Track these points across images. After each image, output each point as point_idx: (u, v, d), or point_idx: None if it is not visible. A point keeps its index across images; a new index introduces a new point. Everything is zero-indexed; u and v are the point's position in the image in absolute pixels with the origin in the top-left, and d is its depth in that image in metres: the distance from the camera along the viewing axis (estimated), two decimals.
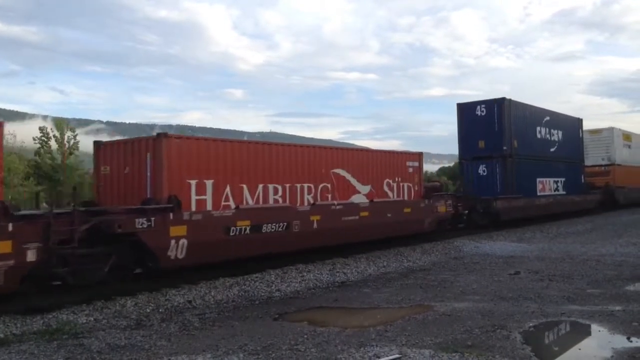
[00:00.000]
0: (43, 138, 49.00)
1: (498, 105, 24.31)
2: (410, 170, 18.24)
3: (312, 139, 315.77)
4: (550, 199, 27.05)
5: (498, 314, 8.44)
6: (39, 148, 49.29)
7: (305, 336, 7.39)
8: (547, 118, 28.15)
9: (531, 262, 14.13)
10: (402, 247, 16.93)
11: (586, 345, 7.26)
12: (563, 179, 28.88)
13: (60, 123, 52.49)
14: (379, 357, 6.37)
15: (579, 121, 32.27)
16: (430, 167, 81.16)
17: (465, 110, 25.27)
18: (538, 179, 26.32)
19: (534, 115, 27.04)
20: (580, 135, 32.14)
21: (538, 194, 26.26)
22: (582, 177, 31.52)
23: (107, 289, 10.00)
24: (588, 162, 34.22)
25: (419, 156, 18.97)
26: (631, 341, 6.90)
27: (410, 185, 18.16)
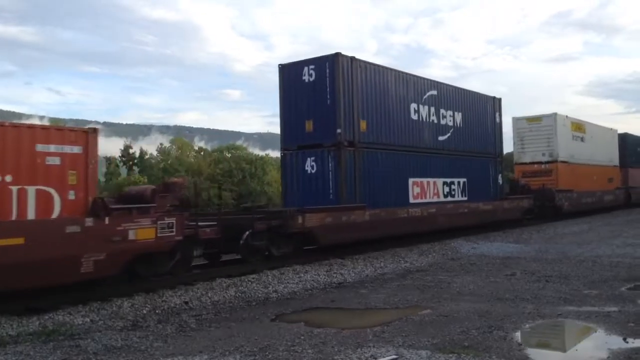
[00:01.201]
0: None
1: (331, 65, 15.59)
2: (53, 161, 9.38)
3: None
4: (432, 208, 18.63)
5: (495, 315, 8.45)
6: None
7: (302, 337, 7.39)
8: (433, 93, 19.56)
9: (528, 263, 14.16)
10: (399, 247, 16.93)
11: (582, 346, 7.27)
12: (463, 180, 20.86)
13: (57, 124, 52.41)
14: (375, 358, 6.38)
15: (493, 101, 23.64)
16: None
17: (288, 74, 16.68)
18: (412, 180, 18.09)
19: (402, 86, 18.07)
20: (497, 120, 23.71)
21: (412, 201, 17.99)
22: (500, 177, 23.72)
23: (104, 289, 10.00)
24: (526, 158, 29.58)
25: (83, 135, 9.88)
26: (627, 342, 6.91)
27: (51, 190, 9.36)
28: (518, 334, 7.39)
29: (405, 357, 6.40)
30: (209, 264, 13.40)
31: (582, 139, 31.69)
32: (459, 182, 20.69)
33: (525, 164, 29.63)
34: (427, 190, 18.91)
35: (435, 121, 19.63)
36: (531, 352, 6.79)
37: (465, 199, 20.82)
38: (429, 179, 19.05)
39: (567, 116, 30.26)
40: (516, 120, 30.50)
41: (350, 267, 13.75)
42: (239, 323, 8.46)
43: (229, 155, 54.16)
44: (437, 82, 20.18)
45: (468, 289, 10.78)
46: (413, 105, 18.49)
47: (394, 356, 6.43)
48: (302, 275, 12.50)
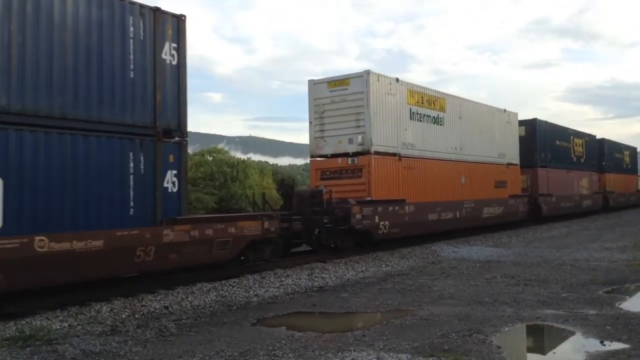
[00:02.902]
0: None
1: None
2: None
3: (291, 143, 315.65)
4: None
5: (474, 318, 8.51)
6: None
7: (283, 341, 7.37)
8: None
9: (507, 267, 14.29)
10: (380, 251, 16.99)
11: (560, 349, 7.36)
12: None
13: None
14: None
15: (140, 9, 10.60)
16: None
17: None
18: None
19: None
20: (151, 48, 10.75)
21: None
22: (174, 178, 11.04)
23: (82, 294, 9.89)
24: (326, 148, 18.02)
25: None
26: (604, 345, 7.00)
27: None
28: (497, 338, 7.44)
29: None
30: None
31: (436, 120, 20.37)
32: None
33: (326, 157, 18.15)
34: None
35: None
36: (510, 355, 6.86)
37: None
38: None
39: (398, 79, 18.65)
40: (313, 86, 18.43)
41: (331, 270, 13.77)
42: (219, 327, 8.41)
43: (211, 158, 53.84)
44: None
45: (448, 293, 10.85)
46: None
47: None
48: (284, 279, 12.48)
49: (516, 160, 26.64)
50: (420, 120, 19.59)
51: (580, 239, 21.75)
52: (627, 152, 48.94)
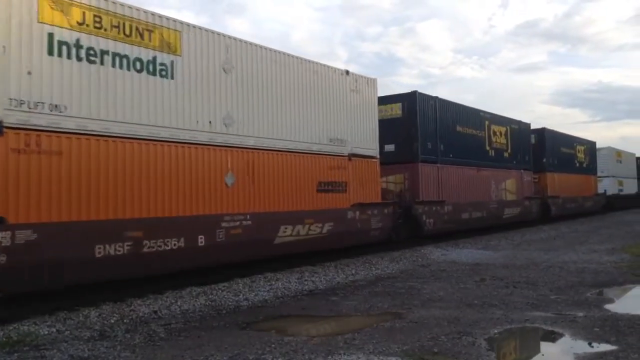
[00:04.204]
0: None
1: None
2: None
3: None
4: None
5: (464, 321, 8.54)
6: None
7: (273, 345, 7.36)
8: None
9: (497, 269, 14.35)
10: (370, 255, 17.02)
11: (549, 351, 7.40)
12: None
13: None
14: None
15: None
16: None
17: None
18: None
19: None
20: None
21: None
22: None
23: (71, 299, 9.82)
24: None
25: None
26: (592, 346, 7.05)
27: None
28: (486, 340, 7.47)
29: None
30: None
31: (149, 67, 11.17)
32: None
33: None
34: None
35: None
36: (499, 357, 6.89)
37: None
38: None
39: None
40: None
41: (321, 274, 13.77)
42: (208, 332, 8.38)
43: None
44: None
45: (438, 296, 10.88)
46: None
47: None
48: (274, 282, 12.46)
49: (373, 150, 17.34)
50: (92, 61, 10.16)
51: (568, 241, 21.90)
52: (581, 147, 38.04)
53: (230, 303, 10.57)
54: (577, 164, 37.09)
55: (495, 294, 10.83)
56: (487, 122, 25.12)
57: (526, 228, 27.73)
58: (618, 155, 47.41)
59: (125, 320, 9.14)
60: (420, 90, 20.34)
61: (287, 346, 7.31)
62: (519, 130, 28.30)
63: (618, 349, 6.90)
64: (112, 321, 9.07)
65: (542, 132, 31.96)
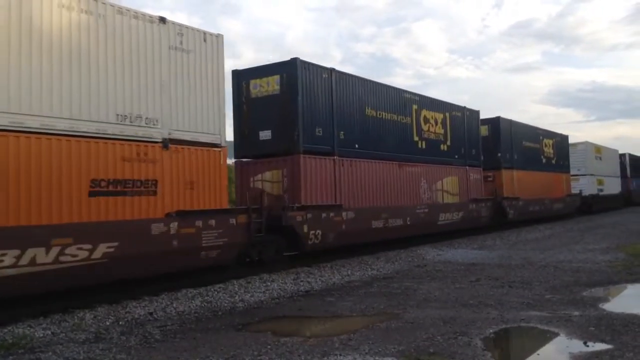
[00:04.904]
0: None
1: None
2: None
3: None
4: None
5: (460, 321, 8.55)
6: None
7: (269, 346, 7.35)
8: None
9: (492, 269, 14.38)
10: (366, 255, 17.03)
11: (544, 350, 7.41)
12: None
13: None
14: None
15: None
16: None
17: None
18: None
19: None
20: None
21: None
22: None
23: (65, 301, 9.79)
24: None
25: None
26: (588, 346, 7.07)
27: None
28: (482, 340, 7.48)
29: None
30: None
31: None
32: None
33: None
34: None
35: None
36: (495, 357, 6.90)
37: None
38: None
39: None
40: None
41: (317, 275, 13.76)
42: (204, 333, 8.37)
43: None
44: None
45: (434, 296, 10.89)
46: None
47: None
48: (269, 283, 12.45)
49: (214, 135, 12.48)
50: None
51: (563, 240, 21.95)
52: (548, 141, 33.13)
53: (226, 304, 10.55)
54: (544, 160, 32.25)
55: (490, 294, 10.85)
56: (414, 107, 20.29)
57: (521, 228, 27.79)
58: (597, 150, 42.15)
59: (120, 323, 9.12)
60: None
61: (283, 347, 7.30)
62: (462, 119, 23.46)
63: (613, 348, 6.92)
64: (108, 323, 9.05)
65: (496, 122, 27.16)
